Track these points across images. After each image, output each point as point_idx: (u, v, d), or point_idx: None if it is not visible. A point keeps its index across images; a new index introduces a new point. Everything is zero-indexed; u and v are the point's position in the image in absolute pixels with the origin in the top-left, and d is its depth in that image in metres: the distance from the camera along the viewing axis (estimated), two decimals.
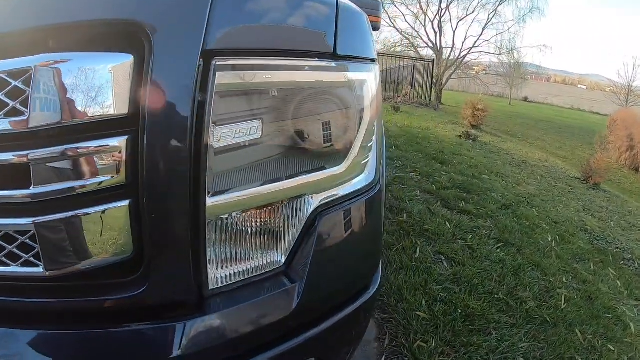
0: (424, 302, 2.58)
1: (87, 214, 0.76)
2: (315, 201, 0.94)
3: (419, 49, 23.09)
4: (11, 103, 0.72)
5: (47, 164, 0.73)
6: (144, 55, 0.74)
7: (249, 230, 0.87)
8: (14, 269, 0.79)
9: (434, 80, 19.84)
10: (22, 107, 0.71)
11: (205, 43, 0.75)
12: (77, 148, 0.74)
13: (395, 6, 22.99)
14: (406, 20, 26.38)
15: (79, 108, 0.73)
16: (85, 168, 0.75)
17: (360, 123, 1.01)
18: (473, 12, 22.75)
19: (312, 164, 0.94)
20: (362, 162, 1.05)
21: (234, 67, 0.79)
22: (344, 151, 0.99)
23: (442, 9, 21.73)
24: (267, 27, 0.84)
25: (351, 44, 0.99)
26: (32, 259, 0.78)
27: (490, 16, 22.58)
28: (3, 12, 0.76)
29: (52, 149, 0.73)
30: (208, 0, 0.75)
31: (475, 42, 22.59)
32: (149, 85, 0.73)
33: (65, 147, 0.73)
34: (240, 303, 0.87)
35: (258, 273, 0.90)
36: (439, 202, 4.43)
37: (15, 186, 0.74)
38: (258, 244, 0.89)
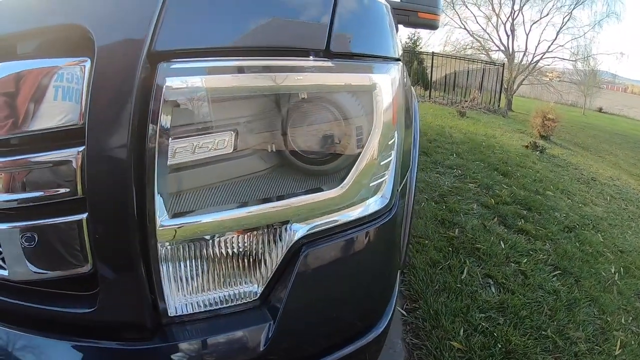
0: (461, 331, 2.36)
1: (45, 225, 0.73)
2: (300, 230, 0.80)
3: (490, 52, 22.06)
4: None
5: (6, 173, 0.72)
6: (92, 58, 0.68)
7: (216, 258, 0.77)
8: None
9: (505, 86, 18.89)
10: None
11: (153, 43, 0.66)
12: (34, 157, 0.72)
13: (467, 7, 21.95)
14: (477, 22, 25.40)
15: (35, 116, 0.71)
16: (43, 178, 0.72)
17: (369, 137, 0.84)
18: (547, 14, 21.43)
19: (298, 184, 0.82)
20: (372, 184, 0.88)
21: (189, 72, 0.68)
22: (342, 170, 0.84)
23: (514, 11, 20.55)
24: (235, 21, 0.72)
25: (356, 38, 0.83)
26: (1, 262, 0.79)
27: (565, 20, 21.02)
28: None
29: (10, 158, 0.72)
30: (151, 4, 0.67)
31: (549, 46, 21.24)
32: (90, 93, 0.67)
33: (21, 157, 0.72)
34: (203, 335, 0.78)
35: (226, 305, 0.80)
36: (495, 218, 4.13)
37: None
38: (227, 275, 0.79)
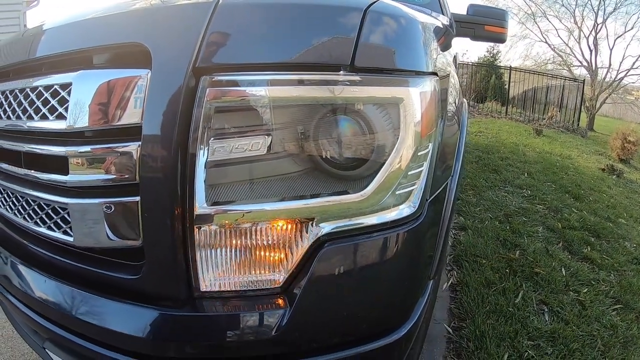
0: (505, 356, 2.29)
1: (108, 202, 0.90)
2: (324, 228, 0.88)
3: (572, 68, 20.83)
4: (59, 108, 0.94)
5: (77, 159, 0.91)
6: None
7: (245, 245, 0.88)
8: (58, 235, 1.03)
9: (587, 104, 17.83)
10: (64, 113, 0.92)
11: (197, 60, 0.79)
12: (102, 148, 0.89)
13: (547, 19, 21.02)
14: (559, 35, 24.31)
15: (102, 114, 0.88)
16: (109, 165, 0.88)
17: (394, 147, 0.90)
18: (632, 28, 20.19)
19: (325, 187, 0.90)
20: (398, 192, 0.93)
21: (228, 84, 0.80)
22: (367, 177, 0.90)
23: (597, 24, 19.28)
24: (269, 39, 0.82)
25: (382, 53, 0.88)
26: (68, 229, 0.99)
27: None
28: (49, 40, 1.06)
29: (83, 147, 0.90)
30: (204, 20, 0.79)
31: (634, 62, 19.28)
32: (147, 98, 0.82)
33: (93, 147, 0.89)
34: (227, 311, 0.89)
35: (250, 288, 0.91)
36: (560, 243, 3.94)
37: (60, 172, 0.95)
38: (254, 261, 0.89)
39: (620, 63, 20.49)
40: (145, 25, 0.87)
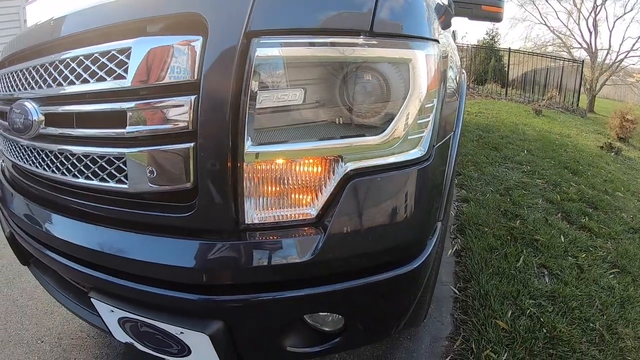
0: (509, 313, 2.45)
1: (163, 150, 1.03)
2: (350, 165, 1.03)
3: (571, 50, 20.77)
4: (118, 70, 1.06)
5: (137, 112, 1.04)
6: (205, 36, 0.97)
7: (285, 181, 1.03)
8: (112, 184, 1.15)
9: (587, 86, 17.89)
10: (124, 74, 1.05)
11: (248, 26, 0.94)
12: (159, 102, 1.02)
13: (547, 1, 21.01)
14: (558, 17, 24.26)
15: (160, 73, 1.01)
16: (163, 117, 1.02)
17: (406, 99, 1.05)
18: (631, 10, 20.06)
19: (349, 131, 1.04)
20: (411, 137, 1.09)
21: (273, 44, 0.95)
22: (384, 123, 1.05)
23: (597, 6, 19.07)
24: (303, 10, 0.98)
25: (395, 22, 1.04)
26: (122, 178, 1.12)
27: None
28: (111, 9, 1.17)
29: (141, 102, 1.04)
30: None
31: (634, 44, 19.57)
32: (205, 58, 0.96)
33: (150, 101, 1.03)
34: (269, 240, 1.04)
35: (289, 219, 1.05)
36: (559, 214, 4.09)
37: (118, 127, 1.08)
38: (292, 194, 1.04)
39: (620, 45, 20.42)
40: None
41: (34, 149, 1.43)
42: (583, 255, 3.29)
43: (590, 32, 19.45)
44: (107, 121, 1.12)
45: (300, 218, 1.05)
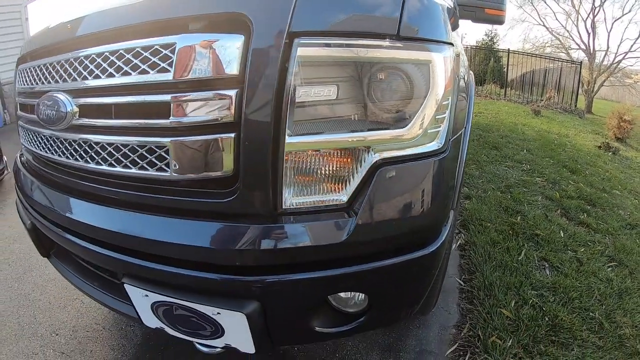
0: (513, 302, 2.56)
1: (206, 140, 1.12)
2: (378, 155, 1.14)
3: (570, 51, 20.88)
4: (162, 64, 1.14)
5: (181, 104, 1.12)
6: (248, 35, 1.06)
7: (319, 169, 1.13)
8: (152, 172, 1.22)
9: (586, 86, 18.02)
10: (169, 67, 1.12)
11: (290, 27, 1.03)
12: (202, 95, 1.11)
13: (545, 2, 21.27)
14: (557, 19, 24.40)
15: (205, 68, 1.09)
16: (207, 109, 1.10)
17: (426, 97, 1.17)
18: (629, 11, 20.14)
19: (376, 124, 1.14)
20: (430, 131, 1.20)
21: (312, 45, 1.05)
22: (408, 118, 1.16)
23: (595, 7, 19.15)
24: (339, 14, 1.07)
25: (417, 27, 1.14)
26: (163, 166, 1.19)
27: None
28: (158, 6, 1.24)
29: (184, 94, 1.12)
30: (288, 1, 1.04)
31: (632, 45, 19.38)
32: (250, 55, 1.05)
33: (193, 93, 1.11)
34: (304, 224, 1.13)
35: (323, 204, 1.15)
36: (558, 210, 4.21)
37: (160, 117, 1.16)
38: (325, 181, 1.14)
39: (618, 46, 20.43)
40: (246, 0, 1.09)
41: (65, 140, 1.48)
42: (582, 250, 3.40)
43: (589, 34, 19.60)
44: (148, 112, 1.20)
45: (332, 203, 1.14)
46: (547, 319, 2.45)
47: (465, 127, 1.72)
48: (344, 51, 1.08)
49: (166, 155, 1.18)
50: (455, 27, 1.78)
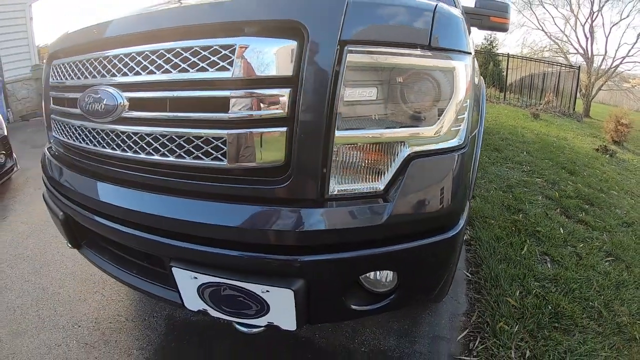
0: (517, 292, 2.72)
1: (261, 132, 1.28)
2: (409, 149, 1.31)
3: (568, 55, 21.02)
4: (221, 63, 1.28)
5: (239, 100, 1.27)
6: (303, 41, 1.23)
7: (360, 160, 1.30)
8: (207, 162, 1.36)
9: (584, 90, 18.16)
10: (228, 66, 1.26)
11: (341, 36, 1.20)
12: (259, 92, 1.26)
13: (544, 7, 21.38)
14: (555, 24, 24.53)
15: (262, 68, 1.24)
16: (263, 105, 1.26)
17: (450, 99, 1.34)
18: (627, 16, 20.24)
19: (410, 122, 1.31)
20: (453, 129, 1.37)
21: (359, 52, 1.22)
22: (436, 117, 1.33)
23: (593, 12, 19.32)
24: (381, 26, 1.25)
25: (444, 39, 1.31)
26: (220, 156, 1.33)
27: None
28: (219, 10, 1.37)
29: (243, 91, 1.27)
30: (341, 13, 1.21)
31: (629, 50, 19.56)
32: (306, 59, 1.21)
33: (251, 90, 1.26)
34: (349, 206, 1.30)
35: (364, 191, 1.32)
36: (558, 209, 4.38)
37: (219, 111, 1.30)
38: (365, 171, 1.31)
39: (616, 51, 20.46)
40: (301, 10, 1.24)
41: (112, 132, 1.55)
42: (581, 245, 3.58)
43: (587, 38, 19.75)
44: (206, 106, 1.32)
45: (371, 191, 1.31)
46: (549, 307, 2.62)
47: (478, 127, 1.90)
48: (384, 58, 1.24)
49: (222, 146, 1.31)
50: (470, 35, 1.97)
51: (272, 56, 1.24)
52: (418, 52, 1.27)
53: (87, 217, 1.69)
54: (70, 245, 2.11)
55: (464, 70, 1.36)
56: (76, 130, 1.77)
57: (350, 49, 1.21)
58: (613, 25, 20.39)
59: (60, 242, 3.59)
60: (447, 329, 2.46)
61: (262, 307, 1.40)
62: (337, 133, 1.24)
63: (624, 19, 20.26)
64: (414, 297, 1.68)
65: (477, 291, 2.79)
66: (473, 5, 3.10)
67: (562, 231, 3.80)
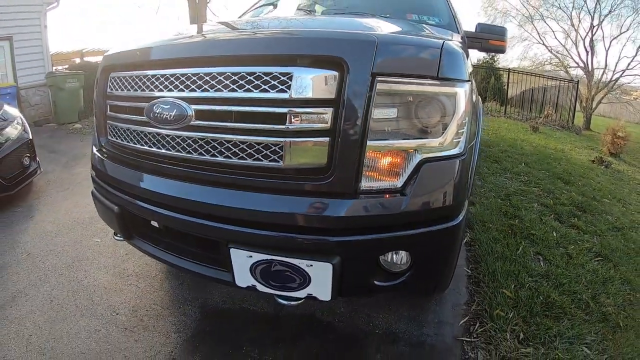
0: (512, 285, 3.07)
1: (310, 141, 1.66)
2: (421, 156, 1.68)
3: (569, 69, 21.41)
4: (280, 86, 1.65)
5: (294, 115, 1.63)
6: (343, 72, 1.60)
7: (384, 163, 1.67)
8: (266, 163, 1.71)
9: (584, 103, 18.55)
10: (286, 89, 1.63)
11: (373, 69, 1.58)
12: (309, 110, 1.64)
13: (545, 22, 21.72)
14: (556, 37, 24.66)
15: (312, 92, 1.62)
16: (312, 120, 1.63)
17: (453, 117, 1.70)
18: (627, 30, 20.02)
19: (422, 135, 1.68)
20: (454, 140, 1.73)
21: (385, 82, 1.60)
22: (441, 131, 1.70)
23: (593, 26, 19.65)
24: (401, 61, 1.63)
25: (448, 70, 1.67)
26: (277, 158, 1.69)
27: None
28: (278, 44, 1.76)
29: (297, 109, 1.63)
30: (372, 52, 1.58)
31: (629, 63, 19.60)
32: (345, 86, 1.59)
33: (303, 109, 1.64)
34: (375, 198, 1.67)
35: (386, 188, 1.69)
36: (552, 215, 4.71)
37: (278, 123, 1.66)
38: (387, 172, 1.68)
39: (616, 64, 20.44)
40: (343, 48, 1.62)
41: (178, 137, 1.88)
42: (572, 247, 3.92)
43: (587, 52, 20.00)
44: (267, 119, 1.67)
45: (392, 187, 1.67)
46: (541, 298, 2.96)
47: (476, 139, 2.28)
48: (403, 86, 1.62)
49: (279, 150, 1.67)
50: (466, 54, 2.31)
51: (320, 83, 1.62)
52: (429, 81, 1.64)
53: (149, 210, 2.01)
54: (118, 237, 2.44)
55: (463, 95, 1.73)
56: (138, 134, 2.08)
57: (379, 79, 1.59)
58: (613, 39, 20.30)
59: (90, 239, 3.95)
60: (450, 316, 2.81)
61: (305, 280, 1.74)
62: (368, 142, 1.61)
63: (623, 32, 20.18)
64: (423, 277, 2.00)
65: (477, 284, 3.16)
66: (474, 30, 3.47)
67: (554, 234, 4.15)
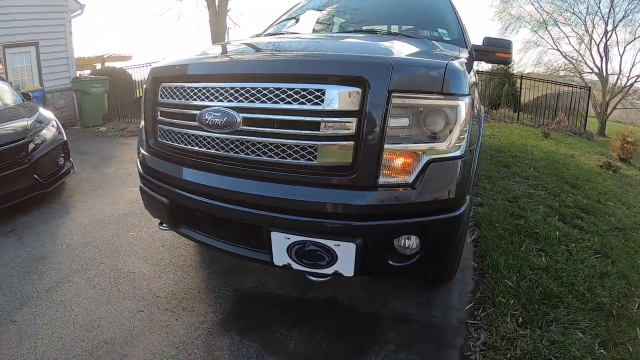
0: (514, 277, 3.36)
1: (338, 144, 2.01)
2: (428, 157, 2.01)
3: (583, 75, 21.26)
4: (315, 100, 2.00)
5: (326, 123, 1.99)
6: (365, 88, 1.95)
7: (398, 162, 2.00)
8: (303, 161, 2.07)
9: (598, 109, 18.53)
10: (320, 102, 1.99)
11: (389, 87, 1.92)
12: (338, 119, 1.99)
13: (559, 27, 21.65)
14: (570, 43, 24.32)
15: (340, 104, 1.97)
16: (340, 127, 1.99)
17: (455, 125, 2.03)
18: None
19: (430, 139, 2.02)
20: (457, 144, 2.06)
21: (399, 97, 1.94)
22: (445, 136, 2.02)
23: (607, 32, 19.58)
24: (412, 79, 1.97)
25: (452, 86, 1.99)
26: (311, 157, 2.04)
27: None
28: (314, 66, 2.11)
29: (329, 118, 1.99)
30: (389, 73, 1.92)
31: None
32: (367, 100, 1.94)
33: (334, 118, 1.99)
34: (391, 191, 2.00)
35: (400, 182, 2.02)
36: (556, 216, 4.96)
37: (313, 129, 2.01)
38: (400, 170, 2.01)
39: (631, 69, 20.24)
40: (365, 69, 1.97)
41: (227, 139, 2.22)
42: (573, 245, 4.19)
43: (602, 57, 19.96)
44: (304, 126, 2.02)
45: (404, 182, 2.01)
46: (540, 288, 3.24)
47: (477, 142, 2.62)
48: (414, 100, 1.95)
49: (314, 152, 2.03)
50: (470, 68, 2.61)
51: (346, 97, 1.97)
52: (435, 96, 1.97)
53: (199, 201, 2.37)
54: (164, 227, 2.83)
55: (464, 106, 2.05)
56: (189, 137, 2.44)
57: (394, 94, 1.93)
58: (627, 44, 20.59)
59: (127, 233, 4.32)
60: (456, 302, 3.14)
61: (332, 258, 2.07)
62: (385, 146, 1.96)
63: (637, 37, 20.11)
64: (430, 262, 2.32)
65: (481, 275, 3.48)
66: (481, 43, 3.73)
67: (557, 233, 4.42)
